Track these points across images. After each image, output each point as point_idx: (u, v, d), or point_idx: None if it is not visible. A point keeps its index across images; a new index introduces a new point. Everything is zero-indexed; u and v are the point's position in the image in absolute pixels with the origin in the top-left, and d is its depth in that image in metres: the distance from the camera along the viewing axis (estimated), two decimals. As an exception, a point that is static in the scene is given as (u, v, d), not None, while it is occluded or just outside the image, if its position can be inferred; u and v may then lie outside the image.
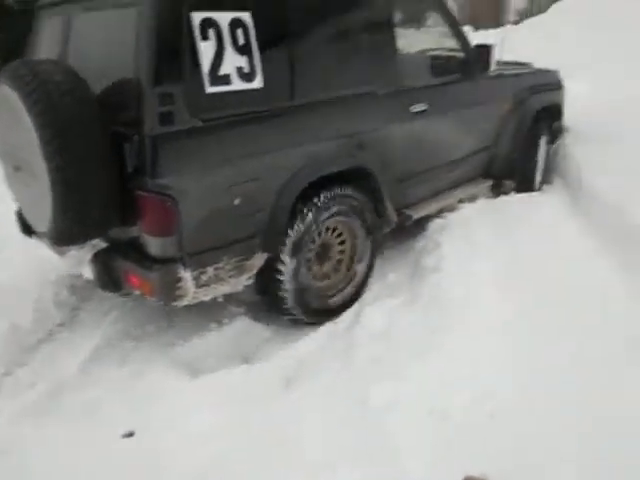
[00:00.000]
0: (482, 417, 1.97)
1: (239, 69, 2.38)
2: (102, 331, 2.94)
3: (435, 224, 3.52)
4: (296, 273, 2.69)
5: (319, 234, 2.82)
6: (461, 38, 3.55)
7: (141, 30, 2.16)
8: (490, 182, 4.01)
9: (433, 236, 3.39)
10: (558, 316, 2.50)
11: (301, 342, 2.74)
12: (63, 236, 2.31)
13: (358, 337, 2.60)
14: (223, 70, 2.32)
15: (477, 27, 13.70)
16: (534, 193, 4.06)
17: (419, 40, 3.98)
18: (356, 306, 2.95)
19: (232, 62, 2.35)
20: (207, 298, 2.51)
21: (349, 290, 3.03)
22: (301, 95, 2.61)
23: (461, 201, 3.78)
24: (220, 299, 2.71)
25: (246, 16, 2.38)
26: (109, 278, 2.48)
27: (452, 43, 3.55)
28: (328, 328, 2.83)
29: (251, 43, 2.40)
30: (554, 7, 12.51)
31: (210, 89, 2.29)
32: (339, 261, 3.02)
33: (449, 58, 3.58)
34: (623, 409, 1.93)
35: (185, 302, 2.40)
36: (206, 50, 2.26)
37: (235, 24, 2.35)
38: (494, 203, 3.84)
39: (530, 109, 4.02)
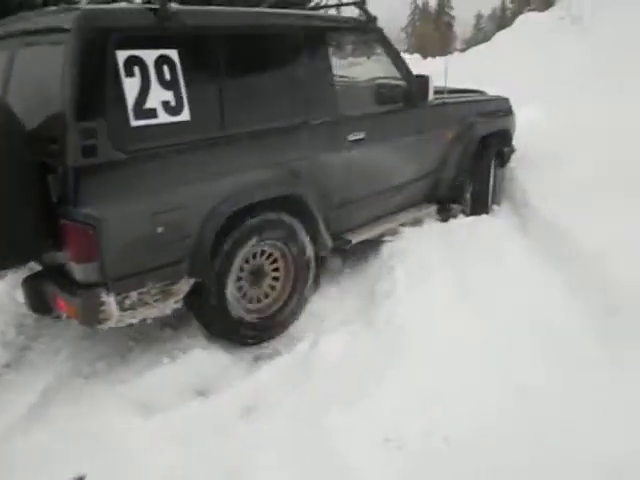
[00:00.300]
0: (437, 443, 1.99)
1: (165, 103, 2.46)
2: (52, 370, 2.83)
3: (388, 249, 3.58)
4: (217, 294, 2.75)
5: (252, 257, 2.91)
6: (402, 69, 3.63)
7: (66, 66, 2.24)
8: (435, 206, 4.09)
9: (387, 261, 3.44)
10: (508, 337, 2.57)
11: (259, 371, 2.71)
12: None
13: (315, 364, 2.59)
14: (149, 104, 2.41)
15: (425, 55, 14.15)
16: (484, 216, 4.17)
17: (360, 72, 4.07)
18: (313, 333, 2.94)
19: (158, 97, 2.43)
20: (135, 321, 2.55)
21: (287, 310, 3.10)
22: (230, 127, 2.69)
23: (403, 225, 3.83)
24: (174, 330, 2.67)
25: (173, 53, 2.48)
26: (39, 301, 2.57)
27: (393, 74, 3.64)
28: (285, 357, 2.81)
29: (178, 78, 2.49)
30: (497, 35, 13.12)
31: (135, 123, 2.37)
32: (274, 283, 3.08)
33: (389, 88, 3.65)
34: (577, 441, 1.97)
35: (110, 325, 2.46)
36: (130, 86, 2.35)
37: (161, 61, 2.44)
38: (446, 227, 3.94)
39: (475, 135, 4.15)
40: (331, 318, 3.12)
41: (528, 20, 12.14)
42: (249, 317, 2.92)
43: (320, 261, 3.30)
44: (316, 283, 3.26)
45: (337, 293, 3.33)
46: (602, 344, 2.43)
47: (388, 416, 2.13)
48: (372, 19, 3.53)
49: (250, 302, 2.97)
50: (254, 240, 2.81)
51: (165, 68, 2.45)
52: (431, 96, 3.61)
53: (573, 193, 3.67)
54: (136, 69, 2.36)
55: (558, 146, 4.58)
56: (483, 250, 3.47)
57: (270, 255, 3.01)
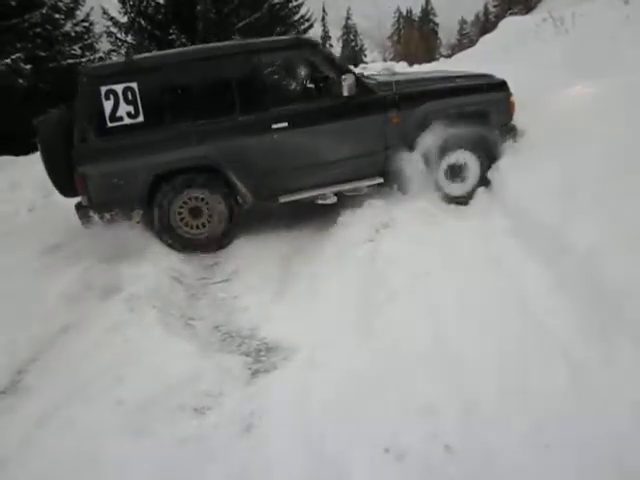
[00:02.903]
0: (438, 451, 1.97)
1: (128, 112, 4.27)
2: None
3: (383, 257, 3.57)
4: (160, 220, 4.46)
5: (189, 200, 4.49)
6: (334, 72, 4.51)
7: (78, 95, 4.27)
8: (378, 180, 4.70)
9: (382, 268, 3.43)
10: (504, 341, 2.56)
11: (257, 386, 2.69)
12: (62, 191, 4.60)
13: (312, 378, 2.58)
14: (118, 114, 4.26)
15: (412, 62, 14.23)
16: (476, 219, 4.15)
17: (293, 76, 4.87)
18: (308, 348, 2.91)
19: (123, 109, 4.26)
20: (113, 227, 4.30)
21: (216, 234, 4.61)
22: (169, 124, 4.34)
23: (337, 194, 4.67)
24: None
25: (134, 84, 4.25)
26: (79, 210, 4.46)
27: (327, 73, 4.57)
28: (282, 371, 2.79)
29: (136, 98, 4.26)
30: (482, 40, 13.23)
31: (110, 124, 4.26)
32: (209, 217, 4.57)
33: (313, 88, 4.72)
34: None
35: (95, 228, 4.34)
36: (107, 105, 4.24)
37: (126, 89, 4.24)
38: (439, 230, 3.94)
39: (417, 118, 4.59)
40: (331, 328, 3.09)
41: (511, 24, 12.26)
42: (191, 236, 4.56)
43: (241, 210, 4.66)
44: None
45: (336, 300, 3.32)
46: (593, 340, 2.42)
47: (387, 427, 2.11)
48: (305, 41, 4.76)
49: (191, 228, 4.56)
50: (184, 191, 4.44)
51: (128, 93, 4.25)
52: (345, 92, 4.38)
53: (560, 191, 3.66)
54: (111, 95, 4.23)
55: (540, 140, 4.56)
56: (476, 253, 3.48)
57: (203, 200, 4.52)
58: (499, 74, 5.14)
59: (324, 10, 59.73)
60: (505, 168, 4.47)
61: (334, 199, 4.69)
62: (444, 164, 4.70)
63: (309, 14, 23.73)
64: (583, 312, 2.58)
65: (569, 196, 3.39)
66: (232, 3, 13.06)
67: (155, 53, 4.91)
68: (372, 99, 4.57)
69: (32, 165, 7.27)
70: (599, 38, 6.63)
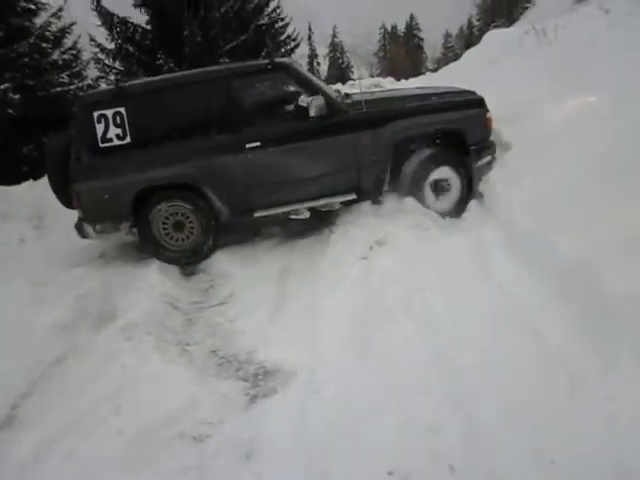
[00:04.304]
0: (443, 472, 1.95)
1: (117, 134, 4.66)
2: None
3: (378, 273, 3.57)
4: (144, 233, 4.81)
5: (171, 215, 4.82)
6: (306, 91, 4.72)
7: (76, 122, 4.81)
8: (351, 196, 4.84)
9: (378, 285, 3.42)
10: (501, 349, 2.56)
11: (256, 411, 2.66)
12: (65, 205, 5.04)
13: (311, 402, 2.55)
14: (108, 136, 4.67)
15: (399, 77, 14.34)
16: (469, 233, 4.15)
17: (267, 97, 5.02)
18: (307, 370, 2.88)
19: (113, 132, 4.66)
20: (105, 238, 4.95)
21: (197, 246, 4.89)
22: (153, 145, 4.70)
23: (312, 209, 4.84)
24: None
25: (122, 109, 4.65)
26: (78, 226, 4.91)
27: (299, 96, 4.74)
28: (281, 396, 2.76)
29: (124, 121, 4.65)
30: (466, 53, 13.38)
31: (101, 145, 4.67)
32: (190, 230, 4.87)
33: (285, 109, 4.87)
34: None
35: (93, 239, 4.92)
36: (99, 128, 4.66)
37: (115, 113, 4.65)
38: (433, 244, 3.94)
39: (389, 138, 4.74)
40: (324, 348, 3.07)
41: (494, 36, 12.38)
42: (175, 248, 4.87)
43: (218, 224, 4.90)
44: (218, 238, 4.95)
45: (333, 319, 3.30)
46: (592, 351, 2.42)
47: (389, 448, 2.08)
48: (278, 64, 4.88)
49: (175, 240, 4.87)
50: (165, 205, 4.77)
51: (117, 117, 4.65)
52: (312, 113, 4.57)
53: (553, 201, 3.67)
54: (102, 119, 4.65)
55: (528, 151, 4.58)
56: (470, 267, 3.48)
57: (185, 215, 4.84)
58: (484, 87, 5.20)
59: (310, 29, 60.26)
60: (495, 180, 4.50)
61: (307, 214, 4.87)
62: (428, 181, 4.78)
63: (295, 34, 23.94)
64: (580, 322, 2.57)
65: (560, 206, 3.40)
66: (218, 27, 13.15)
67: (141, 80, 5.48)
68: (343, 119, 4.74)
69: (22, 195, 7.25)
70: (581, 49, 6.72)
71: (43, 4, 9.39)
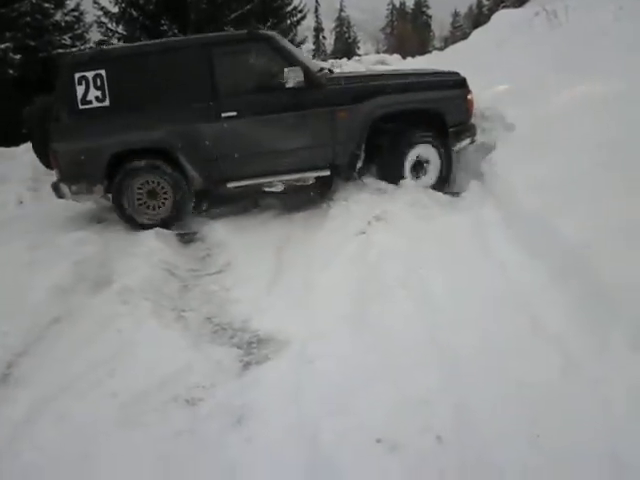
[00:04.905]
0: (430, 442, 1.98)
1: (96, 97, 4.73)
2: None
3: (376, 249, 3.58)
4: (117, 198, 4.88)
5: (147, 183, 4.89)
6: (285, 63, 4.67)
7: (57, 82, 4.86)
8: (325, 172, 4.89)
9: (376, 263, 3.43)
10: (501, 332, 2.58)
11: (248, 378, 2.68)
12: (45, 165, 5.20)
13: (304, 370, 2.58)
14: (88, 98, 4.74)
15: (405, 55, 14.18)
16: (468, 211, 4.14)
17: (246, 68, 4.93)
18: (301, 340, 2.88)
19: (93, 94, 4.73)
20: (80, 200, 5.12)
21: (169, 214, 4.96)
22: (132, 110, 4.71)
23: (287, 182, 4.97)
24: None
25: (102, 72, 4.71)
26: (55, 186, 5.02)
27: (278, 66, 4.69)
28: (274, 362, 2.78)
29: (104, 84, 4.71)
30: (474, 32, 13.20)
31: (80, 107, 4.75)
32: (164, 198, 4.94)
33: (264, 80, 4.82)
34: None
35: (68, 199, 5.01)
36: (79, 89, 4.74)
37: (96, 76, 4.71)
38: (432, 223, 3.95)
39: (366, 114, 4.70)
40: (318, 324, 3.08)
41: (504, 17, 12.21)
42: (152, 216, 4.94)
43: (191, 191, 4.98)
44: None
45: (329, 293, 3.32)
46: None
47: (380, 419, 2.11)
48: (258, 35, 4.90)
49: (151, 209, 4.95)
50: (140, 170, 4.83)
51: (98, 79, 4.71)
52: (289, 84, 4.59)
53: (556, 184, 3.66)
54: (83, 81, 4.72)
55: (532, 133, 4.55)
56: (469, 246, 3.49)
57: (159, 183, 4.89)
58: (491, 67, 5.15)
59: (317, 2, 59.37)
60: (497, 160, 4.47)
61: (281, 187, 4.93)
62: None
63: (302, 5, 23.60)
64: (577, 305, 2.59)
65: (562, 189, 3.39)
66: (225, -6, 12.97)
67: (122, 44, 5.71)
68: (320, 93, 4.72)
69: (20, 157, 7.21)
70: (591, 31, 6.63)
71: (46, -37, 9.22)
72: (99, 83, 4.68)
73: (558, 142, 4.02)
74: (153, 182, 4.89)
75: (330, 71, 5.46)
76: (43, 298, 3.63)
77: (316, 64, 5.58)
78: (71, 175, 4.86)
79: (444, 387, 2.29)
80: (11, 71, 7.41)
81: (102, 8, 12.69)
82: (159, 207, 4.95)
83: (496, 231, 3.68)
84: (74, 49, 9.12)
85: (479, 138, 5.05)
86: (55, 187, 4.96)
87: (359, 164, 4.86)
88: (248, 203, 5.35)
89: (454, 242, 3.64)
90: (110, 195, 4.91)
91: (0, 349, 3.12)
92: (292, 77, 4.57)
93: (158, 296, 3.56)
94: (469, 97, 4.86)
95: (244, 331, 3.17)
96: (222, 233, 4.69)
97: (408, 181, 4.79)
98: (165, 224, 4.88)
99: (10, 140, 7.87)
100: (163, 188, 4.90)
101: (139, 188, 4.89)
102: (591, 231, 2.85)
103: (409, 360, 2.50)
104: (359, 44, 61.21)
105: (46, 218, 5.55)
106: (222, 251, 4.40)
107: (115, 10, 12.84)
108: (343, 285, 3.38)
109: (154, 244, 4.37)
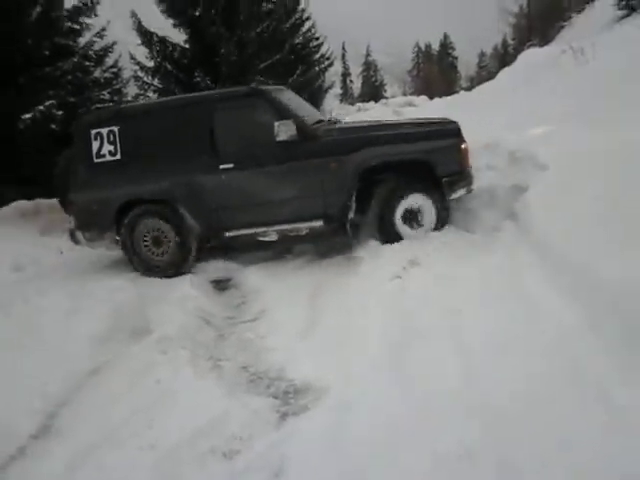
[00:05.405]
0: None
1: (109, 151, 5.17)
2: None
3: (411, 296, 3.55)
4: (124, 244, 5.23)
5: (151, 231, 5.21)
6: (279, 117, 4.80)
7: (75, 137, 5.39)
8: (318, 223, 4.92)
9: (409, 307, 3.40)
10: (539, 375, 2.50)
11: (286, 429, 2.65)
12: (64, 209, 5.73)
13: (342, 424, 2.53)
14: (102, 152, 5.19)
15: (432, 96, 14.36)
16: (502, 254, 4.09)
17: (243, 122, 5.10)
18: (337, 389, 2.85)
19: (106, 148, 5.18)
20: (94, 248, 5.54)
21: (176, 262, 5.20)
22: (139, 163, 5.09)
23: (281, 232, 4.98)
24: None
25: (115, 128, 5.16)
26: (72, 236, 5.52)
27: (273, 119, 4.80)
28: (313, 413, 2.75)
29: (117, 139, 5.16)
30: (501, 72, 13.31)
31: (96, 160, 5.20)
32: (167, 245, 5.20)
33: (259, 135, 4.92)
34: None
35: (83, 245, 5.46)
36: (95, 145, 5.20)
37: (109, 132, 5.16)
38: (471, 265, 3.90)
39: (355, 166, 4.74)
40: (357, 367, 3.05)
41: (530, 55, 12.33)
42: (154, 262, 5.23)
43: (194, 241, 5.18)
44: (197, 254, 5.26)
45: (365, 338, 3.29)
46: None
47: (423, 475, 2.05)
48: (255, 90, 5.14)
49: (154, 255, 5.23)
50: (144, 219, 5.16)
51: (111, 135, 5.16)
52: (280, 137, 4.73)
53: (589, 226, 3.60)
54: (98, 137, 5.18)
55: (565, 173, 4.49)
56: (505, 289, 3.44)
57: (162, 231, 5.18)
58: (520, 106, 5.16)
59: (344, 48, 60.98)
60: (531, 201, 4.43)
61: (275, 237, 5.01)
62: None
63: (329, 52, 24.34)
64: (620, 351, 2.50)
65: (599, 232, 3.33)
66: (254, 46, 13.40)
67: (134, 103, 6.32)
68: (313, 144, 4.83)
69: (59, 210, 7.47)
70: (619, 68, 6.63)
71: (87, 24, 9.71)
72: (112, 138, 5.12)
73: (593, 181, 3.96)
74: (157, 230, 5.19)
75: (333, 122, 5.59)
76: (82, 347, 3.69)
77: (316, 115, 5.71)
78: (85, 223, 5.30)
79: (485, 441, 2.22)
80: (53, 126, 7.73)
81: (138, 63, 13.29)
82: (163, 254, 5.21)
83: (532, 273, 3.61)
84: (112, 104, 9.51)
85: (510, 180, 5.00)
86: (71, 234, 5.38)
87: (350, 215, 4.86)
88: (281, 249, 5.39)
89: (490, 284, 3.59)
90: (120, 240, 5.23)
91: (41, 400, 3.16)
92: (283, 130, 4.70)
93: (195, 345, 3.59)
94: (463, 146, 4.76)
95: (280, 380, 3.16)
96: (256, 280, 4.73)
97: (402, 231, 4.76)
98: (170, 269, 5.13)
99: (51, 192, 8.17)
100: (166, 236, 5.17)
101: (145, 235, 5.20)
102: (632, 273, 2.77)
103: (448, 410, 2.44)
104: (386, 87, 62.31)
105: (85, 267, 5.71)
106: (256, 298, 4.43)
107: (151, 64, 13.41)
108: (378, 331, 3.35)
109: (189, 291, 4.43)
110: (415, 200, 4.76)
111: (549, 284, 3.37)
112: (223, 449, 2.56)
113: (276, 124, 4.72)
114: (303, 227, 4.96)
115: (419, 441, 2.26)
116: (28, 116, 7.89)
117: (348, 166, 4.75)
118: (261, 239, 5.04)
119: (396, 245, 4.52)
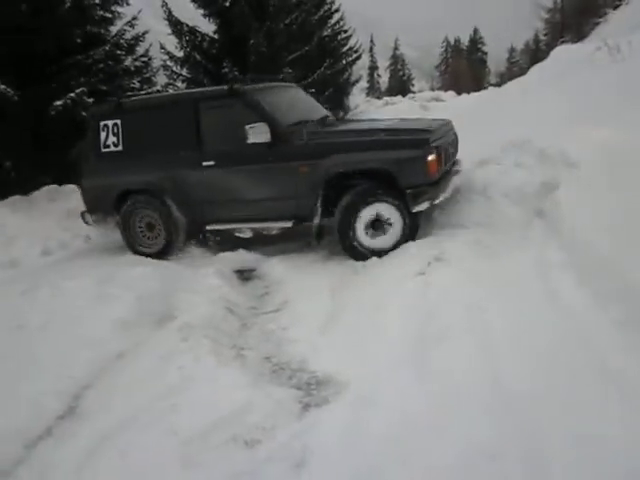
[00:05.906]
0: None
1: (113, 142, 5.70)
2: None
3: (433, 292, 3.52)
4: (122, 228, 5.79)
5: (142, 217, 5.73)
6: (257, 118, 4.94)
7: (87, 128, 5.97)
8: (287, 224, 5.08)
9: (435, 305, 3.37)
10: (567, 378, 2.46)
11: (308, 420, 2.65)
12: None
13: (364, 417, 2.53)
14: (108, 142, 5.72)
15: (460, 91, 14.18)
16: (531, 252, 4.02)
17: (224, 120, 5.31)
18: (360, 382, 2.84)
19: (111, 140, 5.70)
20: (100, 229, 6.11)
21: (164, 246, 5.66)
22: (136, 155, 5.57)
23: (256, 230, 5.25)
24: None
25: (118, 121, 5.67)
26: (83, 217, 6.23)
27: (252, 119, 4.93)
28: (334, 405, 2.74)
29: (119, 131, 5.66)
30: (533, 68, 13.05)
31: (103, 150, 5.74)
32: (159, 232, 5.67)
33: (239, 133, 4.94)
34: None
35: (91, 225, 6.13)
36: (102, 135, 5.73)
37: (114, 124, 5.68)
38: (494, 265, 3.85)
39: (321, 172, 4.75)
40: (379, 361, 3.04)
41: (563, 52, 12.05)
42: (149, 246, 5.73)
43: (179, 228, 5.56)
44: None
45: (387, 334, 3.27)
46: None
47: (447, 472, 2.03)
48: (234, 91, 5.24)
49: (148, 239, 5.75)
50: (138, 207, 5.68)
51: (115, 127, 5.67)
52: (250, 140, 4.89)
53: (621, 225, 3.52)
54: (105, 128, 5.71)
55: (597, 171, 4.39)
56: (532, 287, 3.38)
57: (153, 217, 5.65)
58: (552, 102, 5.04)
59: (372, 41, 60.63)
60: (561, 199, 4.34)
61: (249, 234, 5.27)
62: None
63: (357, 45, 24.20)
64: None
65: (631, 232, 3.26)
66: (283, 38, 13.39)
67: (134, 98, 6.42)
68: (286, 147, 4.95)
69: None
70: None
71: (119, 13, 9.80)
72: (116, 131, 5.64)
73: (625, 181, 3.88)
74: (151, 216, 5.66)
75: (331, 122, 5.73)
76: (108, 332, 3.75)
77: (319, 114, 5.79)
78: (92, 207, 5.97)
79: (511, 438, 2.19)
80: (84, 113, 7.85)
81: (168, 53, 13.39)
82: (155, 238, 5.71)
83: (561, 272, 3.54)
84: (142, 92, 9.59)
85: (540, 177, 4.90)
86: (82, 215, 6.07)
87: (316, 220, 4.92)
88: (304, 241, 5.39)
89: (517, 283, 3.53)
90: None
91: (68, 381, 3.23)
92: (253, 133, 4.86)
93: (218, 333, 3.61)
94: (429, 158, 4.47)
95: (302, 371, 3.16)
96: (280, 271, 4.74)
97: (363, 239, 4.70)
98: (159, 255, 5.56)
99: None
100: (158, 223, 5.64)
101: (139, 221, 5.74)
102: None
103: (473, 406, 2.42)
104: (413, 81, 61.76)
105: (112, 253, 5.79)
106: (279, 289, 4.44)
107: (180, 54, 13.51)
108: (402, 326, 3.33)
109: (214, 281, 4.46)
110: (379, 209, 4.64)
111: (578, 283, 3.31)
112: (245, 438, 2.57)
113: (246, 127, 4.87)
114: (274, 227, 5.19)
115: (441, 438, 2.24)
116: (59, 103, 8.01)
117: (317, 171, 4.80)
118: (237, 235, 5.32)
119: (422, 241, 4.47)
